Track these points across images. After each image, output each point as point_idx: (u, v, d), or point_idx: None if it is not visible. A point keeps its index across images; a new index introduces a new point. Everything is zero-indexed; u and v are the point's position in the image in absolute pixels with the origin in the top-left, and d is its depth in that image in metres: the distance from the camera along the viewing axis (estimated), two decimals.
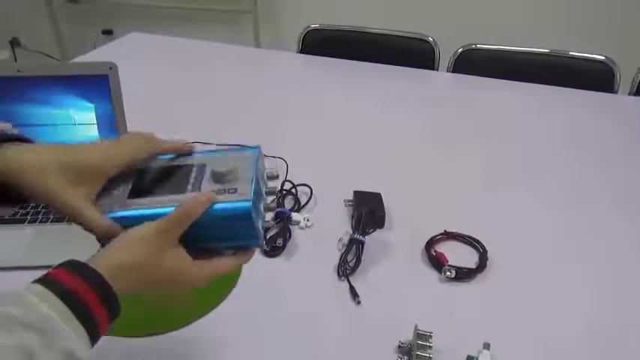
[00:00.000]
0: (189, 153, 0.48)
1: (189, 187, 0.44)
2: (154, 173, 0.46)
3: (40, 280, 0.37)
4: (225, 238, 0.45)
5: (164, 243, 0.42)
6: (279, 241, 0.77)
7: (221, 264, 0.45)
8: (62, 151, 0.43)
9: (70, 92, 0.87)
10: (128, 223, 0.42)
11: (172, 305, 0.65)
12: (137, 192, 0.44)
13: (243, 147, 0.48)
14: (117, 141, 0.45)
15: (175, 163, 0.46)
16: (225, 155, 0.46)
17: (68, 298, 0.36)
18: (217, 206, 0.42)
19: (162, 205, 0.42)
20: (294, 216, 0.83)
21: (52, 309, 0.35)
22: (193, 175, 0.45)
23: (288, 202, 0.87)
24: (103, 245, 0.43)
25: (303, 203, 0.88)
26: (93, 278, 0.38)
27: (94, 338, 0.38)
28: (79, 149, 0.43)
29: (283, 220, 0.81)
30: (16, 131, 0.43)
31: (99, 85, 0.86)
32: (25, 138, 0.43)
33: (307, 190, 0.91)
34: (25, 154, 0.41)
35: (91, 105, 0.88)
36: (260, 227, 0.45)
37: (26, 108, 0.86)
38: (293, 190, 0.90)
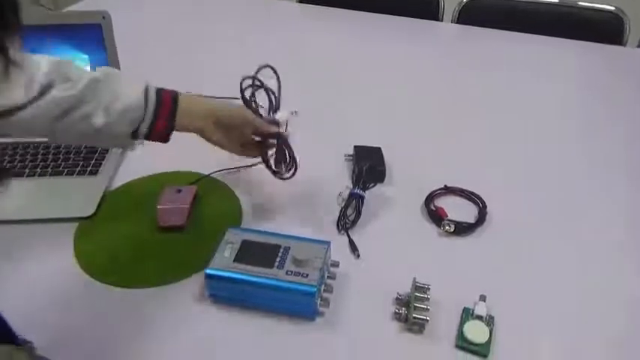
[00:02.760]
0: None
1: (276, 264, 0.60)
2: (252, 247, 0.63)
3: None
4: (289, 308, 0.60)
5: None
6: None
7: None
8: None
9: (63, 42, 0.84)
10: (230, 279, 0.59)
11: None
12: (239, 258, 0.61)
13: (316, 240, 0.64)
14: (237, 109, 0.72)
15: (270, 242, 0.63)
16: (305, 243, 0.63)
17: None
18: (292, 285, 0.58)
19: (252, 273, 0.59)
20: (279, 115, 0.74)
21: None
22: (280, 255, 0.61)
23: None
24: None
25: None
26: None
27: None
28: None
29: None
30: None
31: (92, 35, 0.84)
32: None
33: None
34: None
35: (85, 56, 0.85)
36: (318, 303, 0.59)
37: None
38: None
